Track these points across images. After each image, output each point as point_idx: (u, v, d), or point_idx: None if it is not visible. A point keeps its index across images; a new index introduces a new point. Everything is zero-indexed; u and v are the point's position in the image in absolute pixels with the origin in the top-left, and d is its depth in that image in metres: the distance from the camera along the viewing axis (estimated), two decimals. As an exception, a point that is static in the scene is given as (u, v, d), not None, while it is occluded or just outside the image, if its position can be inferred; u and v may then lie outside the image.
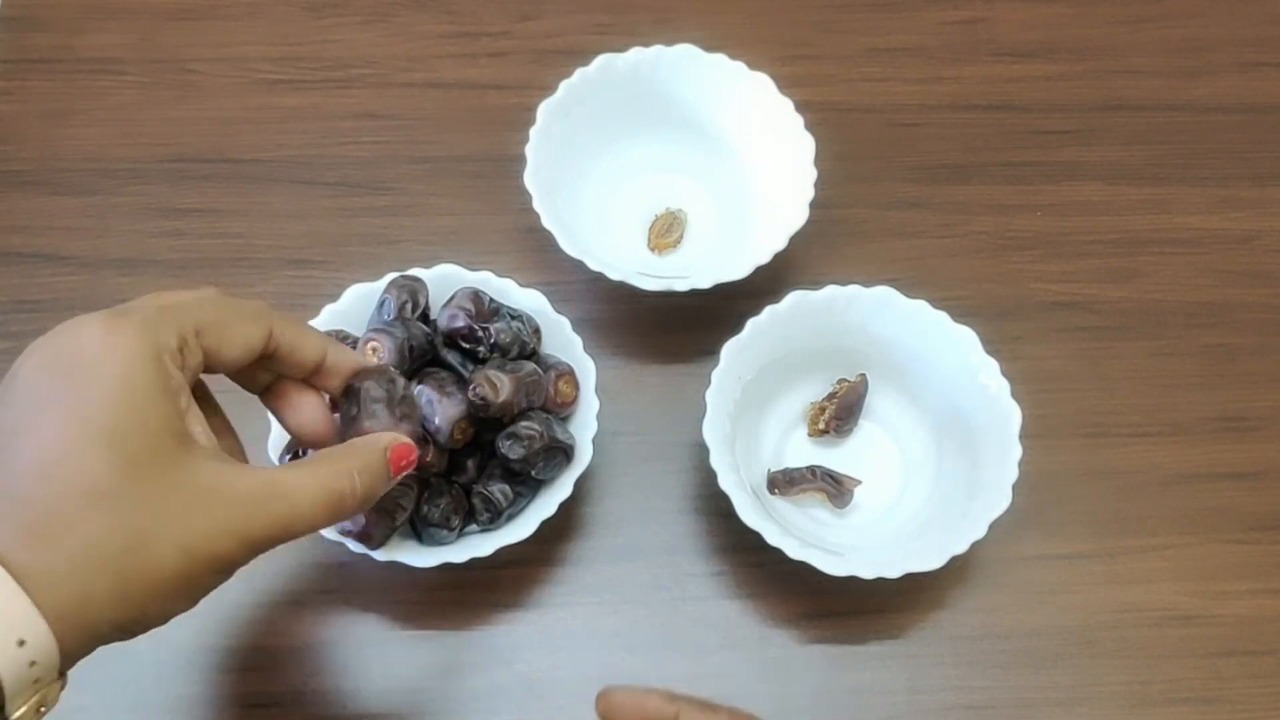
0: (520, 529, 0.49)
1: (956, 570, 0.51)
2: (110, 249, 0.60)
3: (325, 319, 0.52)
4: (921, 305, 0.53)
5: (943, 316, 0.53)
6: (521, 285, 0.53)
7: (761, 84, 0.59)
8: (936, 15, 0.69)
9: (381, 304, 0.52)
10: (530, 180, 0.55)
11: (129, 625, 0.34)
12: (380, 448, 0.40)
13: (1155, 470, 0.56)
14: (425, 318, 0.52)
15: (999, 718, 0.51)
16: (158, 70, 0.66)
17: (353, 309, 0.52)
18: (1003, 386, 0.52)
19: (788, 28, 0.69)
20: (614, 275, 0.54)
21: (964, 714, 0.51)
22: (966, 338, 0.53)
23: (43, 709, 0.33)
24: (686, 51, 0.60)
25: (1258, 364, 0.59)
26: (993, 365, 0.52)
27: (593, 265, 0.54)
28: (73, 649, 0.32)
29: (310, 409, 0.42)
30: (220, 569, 0.35)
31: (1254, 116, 0.67)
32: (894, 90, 0.67)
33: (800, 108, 0.58)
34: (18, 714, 0.32)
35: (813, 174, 0.56)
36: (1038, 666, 0.52)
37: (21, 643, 0.31)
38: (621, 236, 0.61)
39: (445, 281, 0.53)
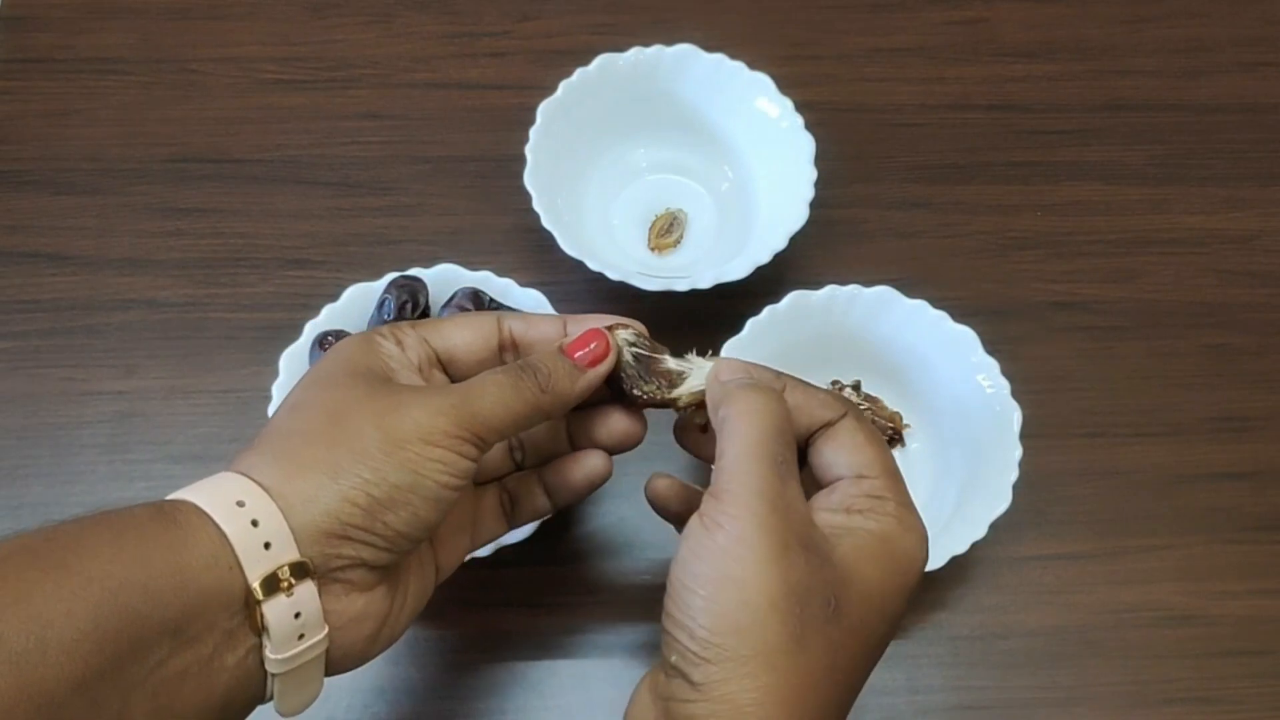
0: (520, 529, 0.49)
1: (956, 570, 0.51)
2: (111, 249, 0.60)
3: (325, 319, 0.52)
4: (921, 305, 0.53)
5: (943, 316, 0.53)
6: (521, 285, 0.53)
7: (761, 84, 0.59)
8: (937, 15, 0.69)
9: (381, 304, 0.52)
10: (530, 180, 0.55)
11: (363, 507, 0.35)
12: (554, 347, 0.41)
13: (1155, 470, 0.56)
14: (425, 318, 0.52)
15: (999, 718, 0.51)
16: (158, 70, 0.66)
17: (353, 309, 0.52)
18: (1003, 386, 0.52)
19: (788, 28, 0.69)
20: (614, 275, 0.54)
21: (964, 714, 0.51)
22: (966, 338, 0.53)
23: (299, 614, 0.34)
24: (686, 51, 0.60)
25: (1258, 364, 0.59)
26: (993, 365, 0.52)
27: (593, 265, 0.54)
28: (306, 528, 0.35)
29: (611, 415, 0.44)
30: (427, 438, 0.36)
31: (1254, 116, 0.67)
32: (894, 90, 0.67)
33: (800, 108, 0.58)
34: (257, 585, 0.34)
35: (813, 174, 0.56)
36: (1038, 666, 0.52)
37: (241, 504, 0.34)
38: (621, 236, 0.61)
39: (445, 281, 0.53)
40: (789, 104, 0.58)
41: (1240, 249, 0.63)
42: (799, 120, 0.58)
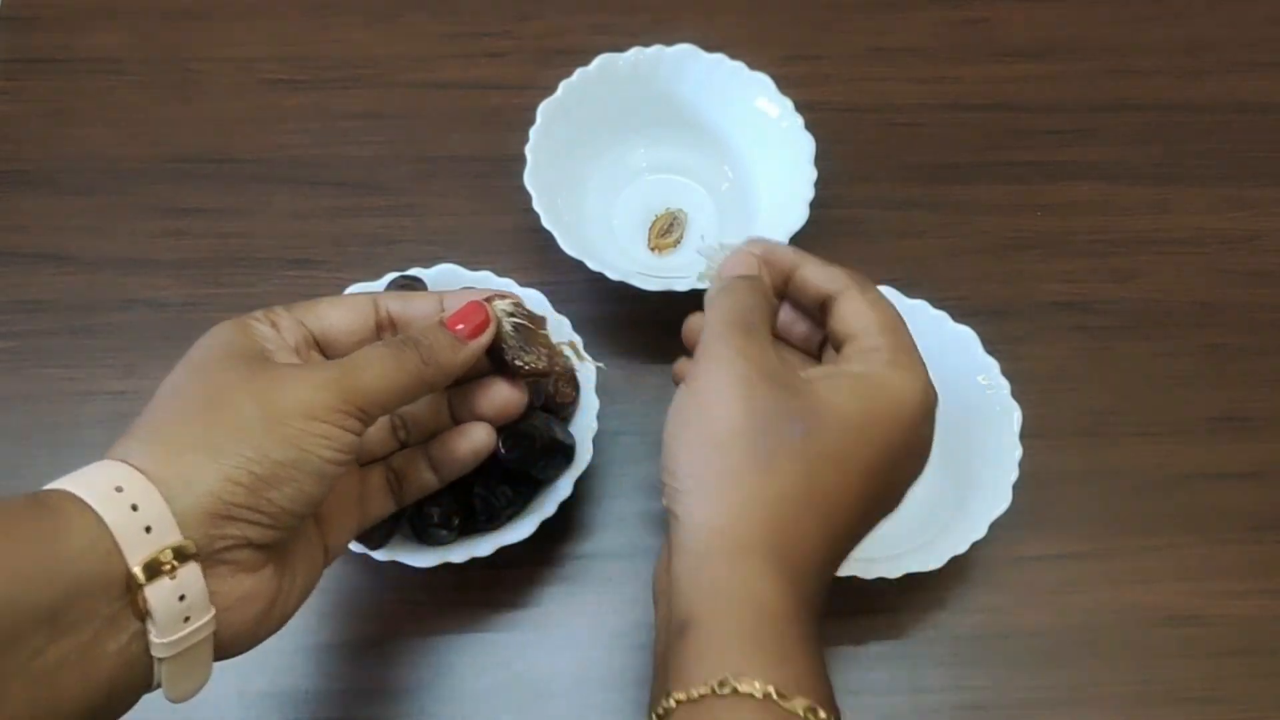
0: (520, 529, 0.49)
1: (956, 570, 0.51)
2: (111, 249, 0.60)
3: (325, 319, 0.52)
4: (921, 305, 0.53)
5: (943, 316, 0.53)
6: (521, 285, 0.53)
7: (761, 84, 0.59)
8: (937, 15, 0.69)
9: (381, 304, 0.52)
10: (530, 180, 0.55)
11: (246, 485, 0.35)
12: (434, 321, 0.42)
13: (1155, 470, 0.56)
14: (425, 318, 0.52)
15: (999, 718, 0.51)
16: (158, 70, 0.66)
17: (353, 309, 0.52)
18: (1003, 386, 0.52)
19: (788, 28, 0.69)
20: (614, 275, 0.54)
21: (964, 714, 0.51)
22: (966, 338, 0.53)
23: (183, 596, 0.34)
24: (686, 51, 0.60)
25: (1258, 364, 0.59)
26: (993, 365, 0.52)
27: (593, 265, 0.54)
28: (188, 510, 0.34)
29: (492, 386, 0.45)
30: (309, 413, 0.37)
31: (1254, 116, 0.67)
32: (894, 90, 0.67)
33: (800, 108, 0.58)
34: (138, 569, 0.33)
35: (813, 174, 0.56)
36: (1038, 666, 0.52)
37: (119, 489, 0.34)
38: (621, 237, 0.61)
39: (445, 281, 0.53)
40: (789, 104, 0.58)
41: (1240, 249, 0.63)
42: (799, 120, 0.58)
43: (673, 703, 0.34)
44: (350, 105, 0.65)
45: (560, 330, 0.53)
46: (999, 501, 0.49)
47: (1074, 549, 0.54)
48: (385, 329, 0.43)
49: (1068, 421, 0.57)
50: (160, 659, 0.35)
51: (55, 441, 0.55)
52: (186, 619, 0.35)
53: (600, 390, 0.52)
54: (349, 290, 0.52)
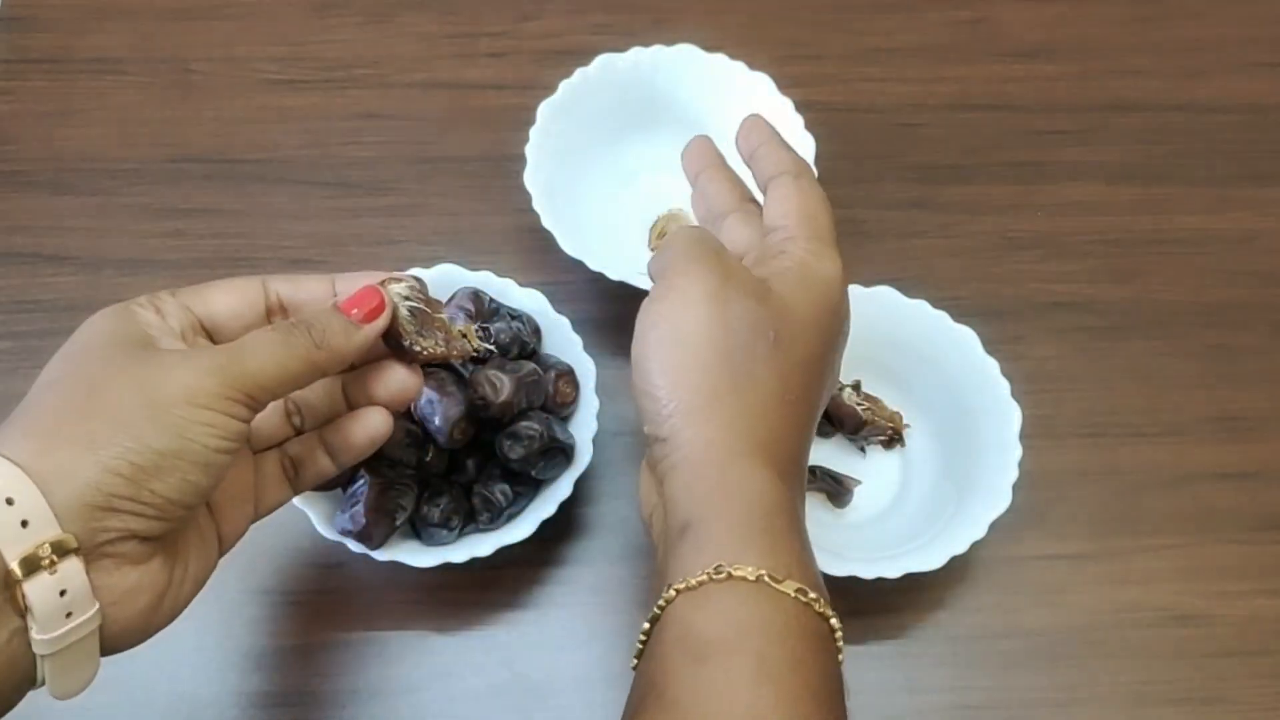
0: (520, 529, 0.49)
1: (956, 570, 0.51)
2: (111, 249, 0.60)
3: (325, 319, 0.52)
4: (921, 305, 0.53)
5: (943, 316, 0.53)
6: (521, 285, 0.53)
7: (761, 84, 0.59)
8: (936, 15, 0.69)
9: (381, 304, 0.52)
10: (530, 180, 0.55)
11: (126, 476, 0.34)
12: (328, 305, 0.41)
13: (1155, 470, 0.56)
14: (425, 318, 0.52)
15: (999, 718, 0.51)
16: (158, 70, 0.66)
17: (353, 309, 0.52)
18: (1003, 386, 0.52)
19: (788, 28, 0.69)
20: (614, 275, 0.54)
21: (964, 714, 0.51)
22: (966, 338, 0.53)
23: (64, 591, 0.33)
24: (686, 51, 0.60)
25: (1258, 364, 0.59)
26: (993, 365, 0.52)
27: (593, 265, 0.54)
28: (67, 503, 0.33)
29: (388, 370, 0.43)
30: (193, 400, 0.35)
31: (1254, 116, 0.67)
32: (894, 90, 0.67)
33: (800, 108, 0.58)
34: (15, 565, 0.32)
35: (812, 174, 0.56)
36: (1038, 666, 0.52)
37: None
38: (622, 236, 0.61)
39: (445, 281, 0.53)
40: (789, 104, 0.58)
41: (1240, 249, 0.63)
42: (799, 120, 0.58)
43: (673, 592, 0.36)
44: (350, 105, 0.65)
45: (559, 330, 0.53)
46: (999, 501, 0.49)
47: (1074, 549, 0.54)
48: (275, 313, 0.42)
49: (1068, 421, 0.57)
50: (43, 655, 0.34)
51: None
52: (69, 614, 0.33)
53: (600, 390, 0.52)
54: (349, 290, 0.52)
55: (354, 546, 0.48)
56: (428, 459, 0.48)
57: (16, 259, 0.60)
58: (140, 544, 0.35)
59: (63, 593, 0.33)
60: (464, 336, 0.45)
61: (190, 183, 0.62)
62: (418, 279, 0.44)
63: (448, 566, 0.48)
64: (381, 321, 0.41)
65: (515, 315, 0.52)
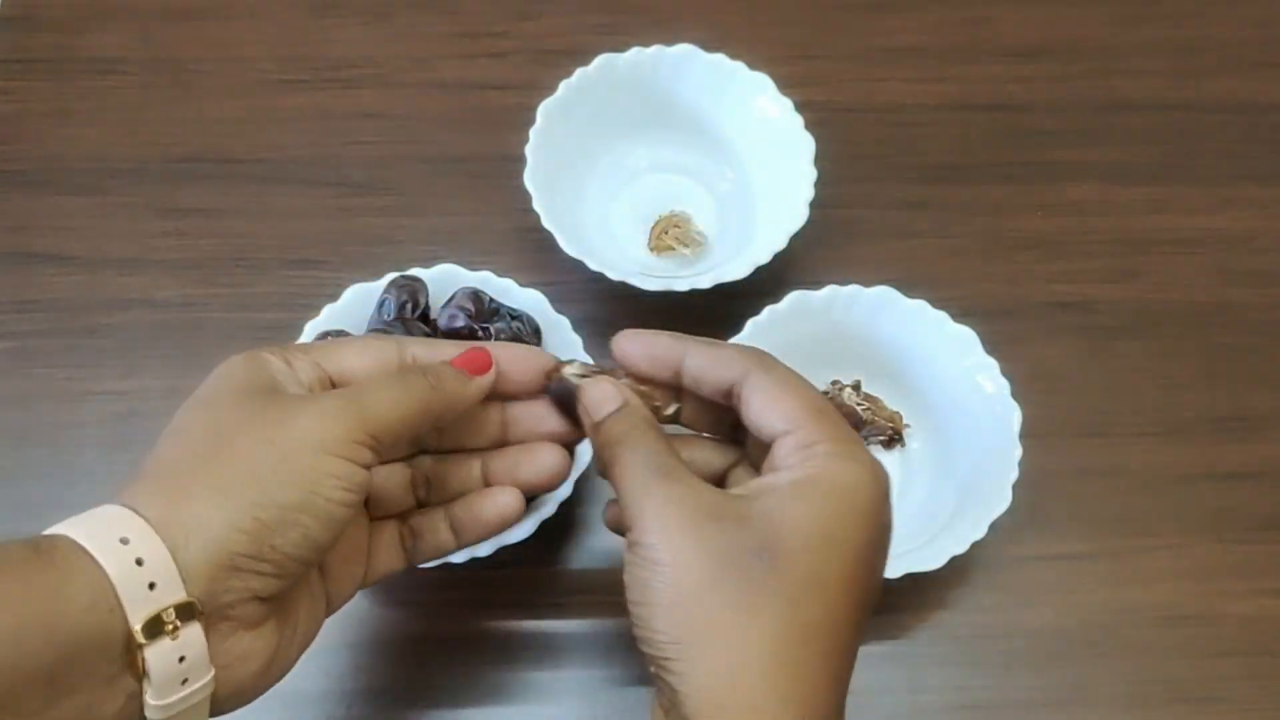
0: (520, 529, 0.49)
1: (956, 570, 0.51)
2: (111, 249, 0.60)
3: (325, 319, 0.52)
4: (921, 305, 0.53)
5: (943, 316, 0.53)
6: (521, 285, 0.53)
7: (761, 84, 0.59)
8: (936, 15, 0.69)
9: (381, 304, 0.52)
10: (530, 180, 0.55)
11: (250, 533, 0.33)
12: (441, 362, 0.41)
13: (1155, 470, 0.56)
14: (425, 318, 0.52)
15: (999, 718, 0.51)
16: (158, 70, 0.66)
17: (353, 309, 0.52)
18: (1003, 386, 0.52)
19: (788, 28, 0.69)
20: (614, 275, 0.54)
21: (964, 714, 0.51)
22: (966, 338, 0.53)
23: (183, 658, 0.33)
24: (686, 51, 0.60)
25: (1258, 364, 0.59)
26: (993, 365, 0.52)
27: (593, 265, 0.54)
28: (194, 564, 0.33)
29: (540, 450, 0.43)
30: (320, 446, 0.35)
31: (1254, 116, 0.67)
32: (894, 90, 0.67)
33: (800, 108, 0.58)
34: (139, 629, 0.32)
35: (813, 174, 0.56)
36: (1038, 666, 0.52)
37: (124, 540, 0.32)
38: (621, 237, 0.61)
39: (445, 281, 0.53)
40: (789, 104, 0.58)
41: (1240, 249, 0.63)
42: (799, 120, 0.58)
43: None
44: (350, 105, 0.65)
45: (560, 330, 0.53)
46: (999, 501, 0.49)
47: (1074, 549, 0.54)
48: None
49: (1068, 421, 0.57)
50: None
51: (55, 441, 0.55)
52: (185, 680, 0.33)
53: (600, 390, 0.51)
54: (348, 290, 0.52)
55: (354, 546, 0.47)
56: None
57: (16, 259, 0.60)
58: (258, 605, 0.35)
59: (181, 659, 0.33)
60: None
61: (190, 183, 0.62)
62: (588, 361, 0.44)
63: (448, 566, 0.48)
64: (489, 376, 0.41)
65: (515, 315, 0.52)
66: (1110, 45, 0.69)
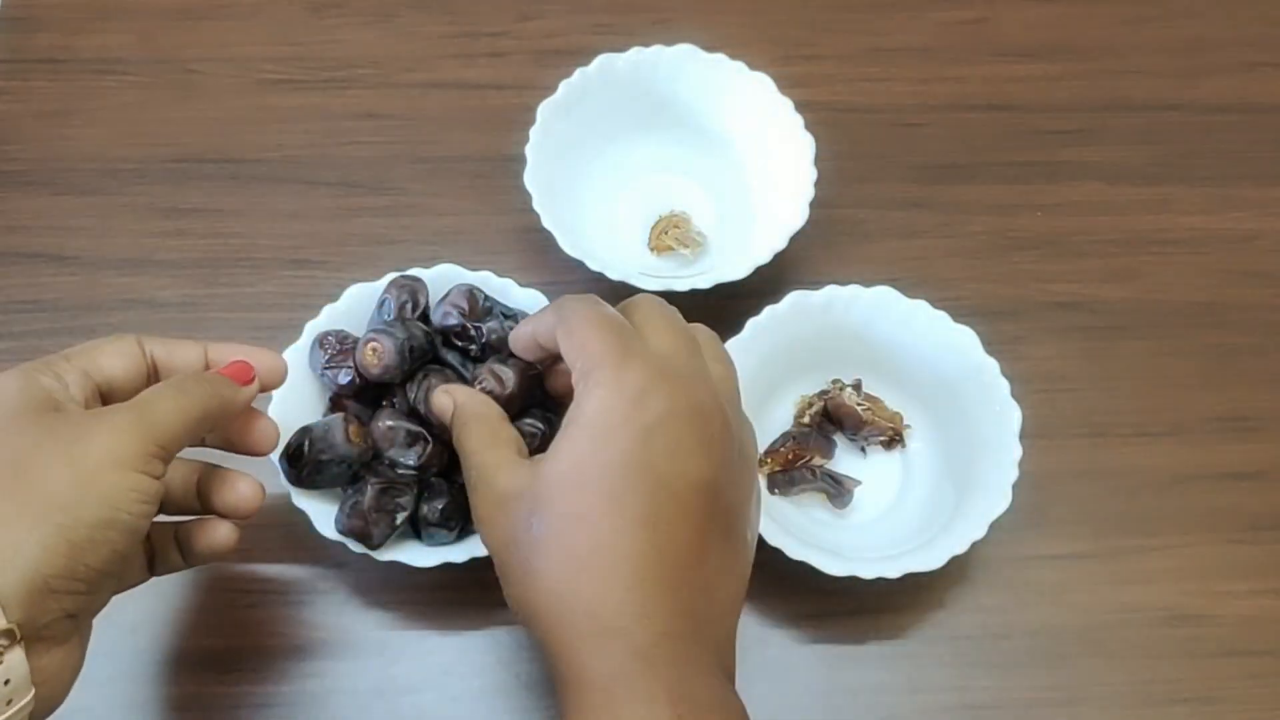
0: (520, 529, 0.49)
1: (956, 570, 0.51)
2: (111, 249, 0.60)
3: (325, 319, 0.52)
4: (921, 305, 0.53)
5: (943, 316, 0.53)
6: (521, 285, 0.53)
7: (761, 84, 0.59)
8: (936, 15, 0.69)
9: (381, 304, 0.52)
10: (530, 180, 0.55)
11: (63, 554, 0.34)
12: (186, 357, 0.43)
13: (1155, 470, 0.56)
14: (425, 318, 0.52)
15: (999, 718, 0.51)
16: (158, 70, 0.66)
17: (353, 309, 0.52)
18: (1003, 386, 0.52)
19: (788, 28, 0.69)
20: (614, 275, 0.54)
21: (964, 714, 0.51)
22: (966, 338, 0.53)
23: (8, 681, 0.33)
24: (686, 51, 0.60)
25: (1258, 364, 0.59)
26: (993, 365, 0.52)
27: (593, 265, 0.54)
28: (12, 588, 0.33)
29: (232, 480, 0.44)
30: (118, 462, 0.36)
31: (1254, 116, 0.67)
32: (894, 90, 0.67)
33: (800, 108, 0.58)
34: None
35: (813, 174, 0.56)
36: (1038, 666, 0.52)
37: None
38: (621, 236, 0.61)
39: (445, 281, 0.53)
40: (789, 104, 0.58)
41: (1240, 249, 0.63)
42: (799, 120, 0.58)
43: None
44: (350, 105, 0.65)
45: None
46: (999, 501, 0.49)
47: (1074, 549, 0.54)
48: (151, 374, 0.42)
49: (1068, 421, 0.57)
50: None
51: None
52: (9, 702, 0.34)
53: (600, 390, 0.51)
54: (349, 290, 0.52)
55: (354, 546, 0.47)
56: (426, 458, 0.48)
57: (16, 259, 0.60)
58: (69, 622, 0.35)
59: (6, 682, 0.33)
60: None
61: (190, 183, 0.62)
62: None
63: (448, 566, 0.48)
64: (254, 387, 0.43)
65: (509, 314, 0.52)
66: (1110, 45, 0.69)
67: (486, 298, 0.52)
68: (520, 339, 0.45)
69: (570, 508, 0.36)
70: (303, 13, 0.68)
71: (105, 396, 0.41)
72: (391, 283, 0.52)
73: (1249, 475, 0.56)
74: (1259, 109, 0.67)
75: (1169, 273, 0.62)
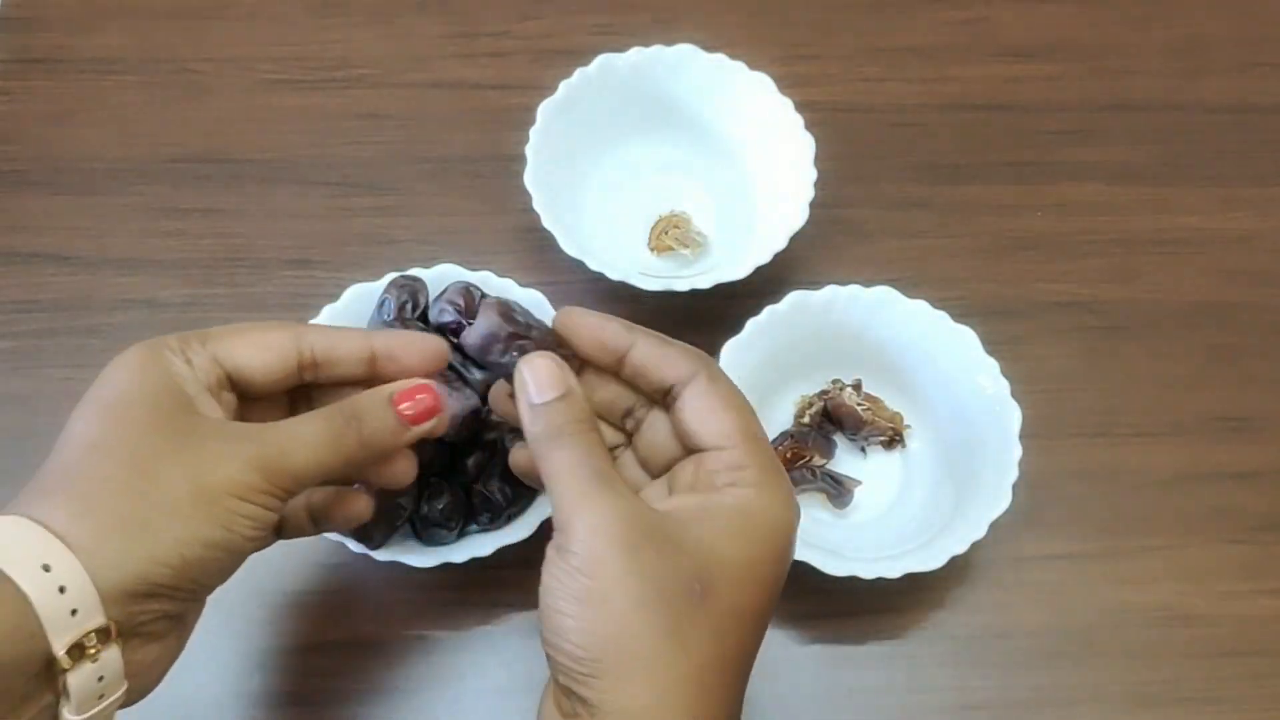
0: (520, 529, 0.49)
1: (956, 570, 0.51)
2: (111, 249, 0.60)
3: (325, 319, 0.52)
4: (921, 305, 0.53)
5: (943, 316, 0.53)
6: (521, 285, 0.53)
7: (761, 84, 0.59)
8: (936, 15, 0.69)
9: (381, 304, 0.52)
10: (530, 180, 0.55)
11: (175, 568, 0.34)
12: (383, 395, 0.40)
13: (1155, 470, 0.56)
14: (425, 318, 0.52)
15: (999, 718, 0.51)
16: (158, 70, 0.66)
17: (353, 309, 0.52)
18: (1003, 386, 0.52)
19: (788, 28, 0.69)
20: (614, 275, 0.54)
21: (964, 714, 0.51)
22: (966, 338, 0.53)
23: (102, 677, 0.34)
24: (686, 51, 0.60)
25: (1258, 364, 0.59)
26: (993, 365, 0.52)
27: (593, 265, 0.54)
28: (113, 589, 0.33)
29: (349, 497, 0.42)
30: (239, 494, 0.36)
31: (1254, 116, 0.67)
32: (894, 90, 0.67)
33: (800, 108, 0.58)
34: (63, 654, 0.32)
35: (813, 174, 0.56)
36: (1038, 666, 0.52)
37: (46, 567, 0.32)
38: (621, 236, 0.61)
39: (445, 281, 0.53)
40: (789, 104, 0.58)
41: (1240, 249, 0.63)
42: (799, 120, 0.58)
43: None
44: (350, 105, 0.65)
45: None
46: (999, 501, 0.49)
47: (1074, 549, 0.54)
48: (308, 368, 0.41)
49: (1068, 421, 0.57)
50: None
51: (55, 442, 0.55)
52: (101, 696, 0.34)
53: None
54: (349, 290, 0.52)
55: (354, 546, 0.47)
56: (427, 457, 0.48)
57: (16, 259, 0.60)
58: (168, 621, 0.36)
59: (100, 678, 0.34)
60: None
61: (190, 183, 0.62)
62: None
63: (448, 566, 0.48)
64: (429, 424, 0.40)
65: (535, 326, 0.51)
66: (1110, 45, 0.69)
67: (483, 295, 0.52)
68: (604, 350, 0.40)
69: (736, 605, 0.35)
70: (303, 13, 0.68)
71: (238, 385, 0.40)
72: (391, 283, 0.52)
73: (1249, 475, 0.56)
74: (1259, 109, 0.67)
75: (1169, 273, 0.62)
